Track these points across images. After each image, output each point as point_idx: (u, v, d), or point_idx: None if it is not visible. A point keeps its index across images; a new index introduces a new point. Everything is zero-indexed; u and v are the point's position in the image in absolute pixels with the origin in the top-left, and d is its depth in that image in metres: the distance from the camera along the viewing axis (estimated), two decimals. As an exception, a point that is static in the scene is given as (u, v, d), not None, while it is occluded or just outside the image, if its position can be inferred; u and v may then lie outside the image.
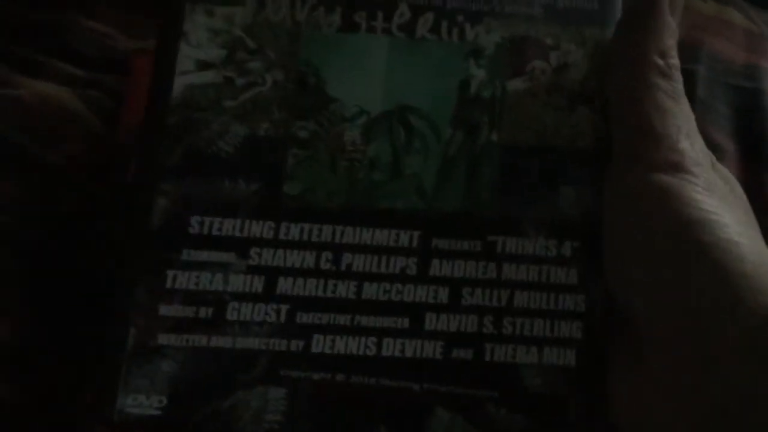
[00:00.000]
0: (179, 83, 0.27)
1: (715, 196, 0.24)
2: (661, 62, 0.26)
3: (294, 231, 0.26)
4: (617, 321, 0.26)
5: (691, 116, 0.26)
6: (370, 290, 0.26)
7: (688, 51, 0.37)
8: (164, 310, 0.26)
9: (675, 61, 0.26)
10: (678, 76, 0.26)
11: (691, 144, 0.25)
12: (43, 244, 0.31)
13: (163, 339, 0.25)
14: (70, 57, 0.34)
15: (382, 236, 0.26)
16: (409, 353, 0.26)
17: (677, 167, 0.25)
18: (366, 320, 0.26)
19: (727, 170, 0.27)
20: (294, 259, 0.26)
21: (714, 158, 0.26)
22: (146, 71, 0.27)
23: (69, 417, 0.28)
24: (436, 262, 0.26)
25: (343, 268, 0.26)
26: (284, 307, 0.26)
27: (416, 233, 0.27)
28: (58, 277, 0.30)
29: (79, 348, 0.29)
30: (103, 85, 0.34)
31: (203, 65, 0.27)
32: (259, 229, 0.26)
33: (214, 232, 0.26)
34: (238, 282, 0.26)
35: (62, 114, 0.32)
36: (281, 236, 0.26)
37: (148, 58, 0.27)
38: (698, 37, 0.38)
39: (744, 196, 0.26)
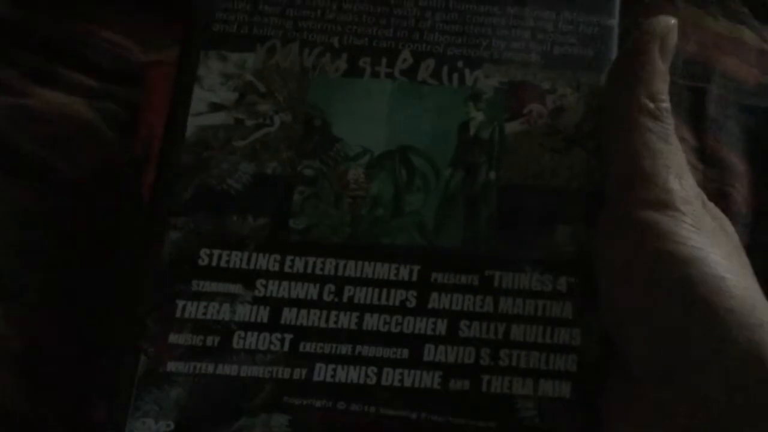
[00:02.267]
0: (192, 124, 0.28)
1: (703, 233, 0.25)
2: (651, 105, 0.27)
3: (298, 264, 0.27)
4: (611, 353, 0.26)
5: (682, 156, 0.27)
6: (370, 321, 0.27)
7: (700, 69, 0.37)
8: (174, 338, 0.27)
9: (665, 104, 0.27)
10: (668, 118, 0.27)
11: (680, 183, 0.26)
12: (56, 255, 0.31)
13: (172, 366, 0.27)
14: (84, 67, 0.35)
15: (383, 270, 0.27)
16: (408, 383, 0.27)
17: (666, 205, 0.25)
18: (366, 350, 0.27)
19: (717, 208, 0.27)
20: (298, 290, 0.27)
21: (704, 196, 0.27)
22: (160, 83, 0.28)
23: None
24: (434, 295, 0.27)
25: (345, 300, 0.27)
26: (288, 337, 0.27)
27: (416, 267, 0.28)
28: (71, 288, 0.30)
29: (93, 362, 0.30)
30: (117, 96, 0.34)
31: (215, 107, 0.29)
32: (265, 261, 0.27)
33: (223, 265, 0.27)
34: (244, 312, 0.27)
35: (76, 124, 0.33)
36: (286, 269, 0.27)
37: (162, 70, 0.28)
38: (710, 56, 0.38)
39: (734, 233, 0.27)
